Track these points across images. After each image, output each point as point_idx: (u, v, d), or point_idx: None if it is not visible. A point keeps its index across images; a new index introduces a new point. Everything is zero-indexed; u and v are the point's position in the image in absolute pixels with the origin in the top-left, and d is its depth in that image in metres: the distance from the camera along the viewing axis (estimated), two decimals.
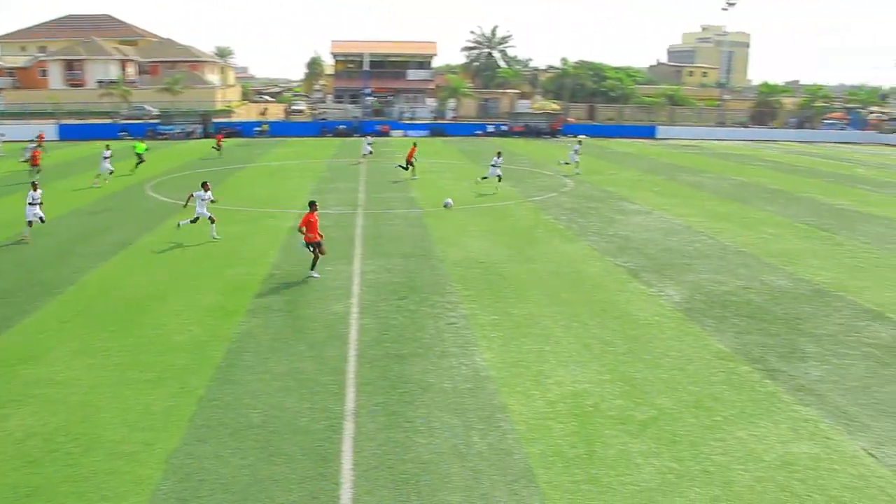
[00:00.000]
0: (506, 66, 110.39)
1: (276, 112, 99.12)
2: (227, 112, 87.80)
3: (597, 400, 12.05)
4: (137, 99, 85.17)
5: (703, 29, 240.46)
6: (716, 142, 76.70)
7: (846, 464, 10.33)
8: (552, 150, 58.50)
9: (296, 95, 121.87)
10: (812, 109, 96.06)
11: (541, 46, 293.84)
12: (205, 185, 23.87)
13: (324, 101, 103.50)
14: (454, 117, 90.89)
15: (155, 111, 78.87)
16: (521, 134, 75.19)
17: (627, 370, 13.34)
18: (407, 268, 20.26)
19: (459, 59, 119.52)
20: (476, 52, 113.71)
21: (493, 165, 34.81)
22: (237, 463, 9.97)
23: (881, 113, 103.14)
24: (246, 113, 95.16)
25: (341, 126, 75.54)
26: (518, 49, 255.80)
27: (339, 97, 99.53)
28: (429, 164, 44.16)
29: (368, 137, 50.98)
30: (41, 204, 23.23)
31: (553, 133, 76.06)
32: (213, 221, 23.61)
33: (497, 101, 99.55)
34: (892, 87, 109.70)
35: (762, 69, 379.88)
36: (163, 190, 34.62)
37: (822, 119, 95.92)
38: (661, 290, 18.60)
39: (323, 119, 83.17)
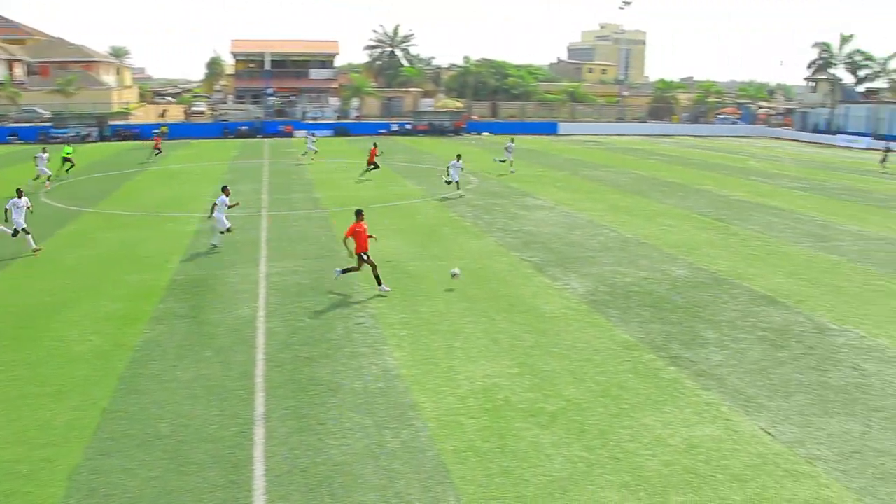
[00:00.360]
0: (409, 65, 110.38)
1: (175, 114, 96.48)
2: (125, 114, 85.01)
3: (507, 394, 12.21)
4: (27, 101, 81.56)
5: (602, 27, 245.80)
6: (616, 137, 78.64)
7: (746, 443, 10.77)
8: (457, 148, 58.83)
9: (196, 96, 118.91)
10: (706, 105, 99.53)
11: (443, 45, 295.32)
12: (225, 190, 23.12)
13: (225, 102, 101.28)
14: (358, 116, 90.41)
15: (47, 114, 75.64)
16: (425, 132, 75.44)
17: (536, 363, 13.57)
18: (313, 269, 20.08)
19: (362, 58, 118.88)
20: (378, 50, 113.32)
21: (453, 168, 33.39)
22: (145, 475, 9.71)
23: (769, 108, 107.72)
24: (144, 115, 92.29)
25: (243, 127, 74.29)
26: (421, 48, 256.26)
27: (240, 98, 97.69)
28: (333, 164, 43.81)
29: (312, 136, 50.75)
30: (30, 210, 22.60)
31: (457, 131, 76.62)
32: (229, 231, 22.82)
33: (401, 99, 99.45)
34: (779, 83, 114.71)
35: (658, 66, 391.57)
36: (56, 196, 33.35)
37: (716, 114, 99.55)
38: (566, 283, 18.98)
39: (224, 120, 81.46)
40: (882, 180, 44.43)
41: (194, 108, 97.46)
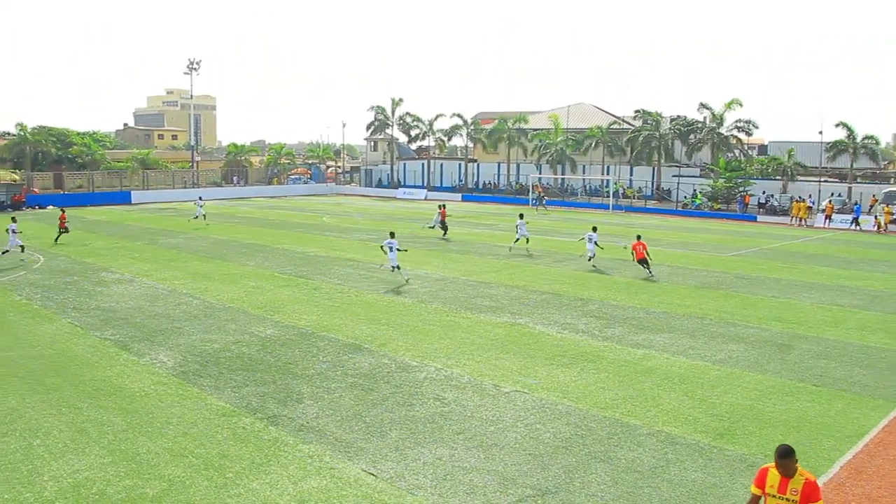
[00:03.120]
0: None
1: None
2: None
3: (101, 486, 11.28)
4: None
5: (169, 92, 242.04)
6: (193, 203, 77.40)
7: (351, 487, 11.21)
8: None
9: None
10: (278, 166, 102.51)
11: None
12: (392, 234, 29.77)
13: None
14: None
15: None
16: None
17: (130, 447, 12.73)
18: None
19: None
20: None
21: (521, 226, 38.74)
22: None
23: (336, 166, 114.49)
24: None
25: None
26: None
27: None
28: None
29: (200, 201, 55.37)
30: None
31: (16, 205, 69.60)
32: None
33: None
34: (343, 143, 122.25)
35: (230, 130, 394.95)
36: None
37: (288, 175, 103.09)
38: (153, 358, 18.14)
39: None
40: (439, 228, 49.44)
41: None
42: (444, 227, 44.47)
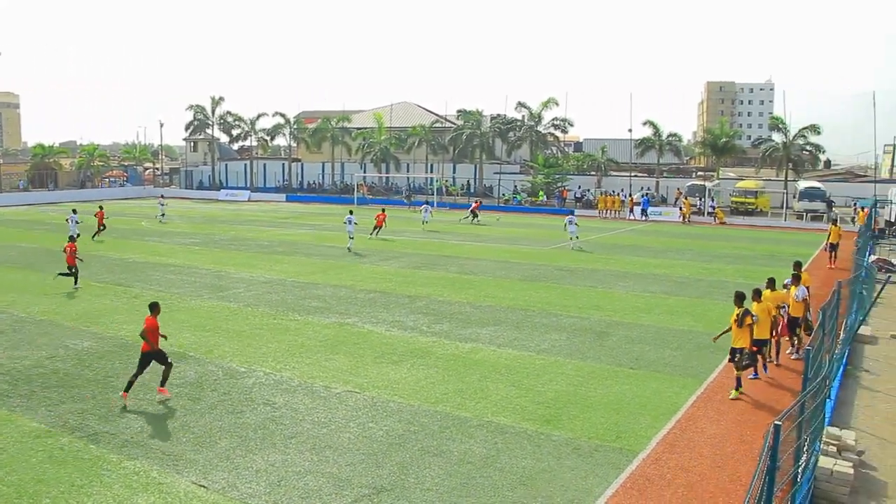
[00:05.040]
0: None
1: None
2: None
3: None
4: None
5: None
6: (156, 202, 71.91)
7: (182, 502, 10.87)
8: None
9: None
10: (91, 169, 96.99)
11: None
12: (351, 212, 39.82)
13: None
14: None
15: None
16: None
17: None
18: None
19: None
20: None
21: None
22: None
23: (154, 168, 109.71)
24: None
25: None
26: None
27: None
28: None
29: (161, 199, 57.47)
30: None
31: None
32: None
33: None
34: (163, 144, 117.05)
35: (38, 131, 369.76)
36: None
37: (104, 177, 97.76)
38: None
39: None
40: (263, 229, 48.57)
41: None
42: (475, 215, 55.63)
